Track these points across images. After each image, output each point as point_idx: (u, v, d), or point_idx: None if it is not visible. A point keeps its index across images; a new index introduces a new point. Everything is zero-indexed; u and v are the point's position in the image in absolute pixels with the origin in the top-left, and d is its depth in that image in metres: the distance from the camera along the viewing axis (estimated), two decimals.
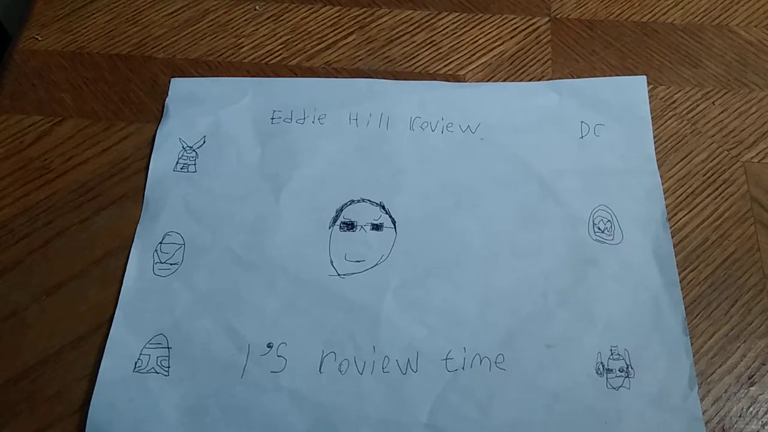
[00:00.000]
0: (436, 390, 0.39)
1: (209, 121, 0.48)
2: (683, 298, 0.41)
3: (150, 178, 0.46)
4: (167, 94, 0.49)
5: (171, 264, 0.43)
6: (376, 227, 0.44)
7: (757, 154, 0.47)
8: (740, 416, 0.39)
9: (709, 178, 0.46)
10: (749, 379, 0.40)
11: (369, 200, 0.45)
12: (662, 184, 0.45)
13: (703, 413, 0.38)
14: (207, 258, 0.43)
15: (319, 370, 0.39)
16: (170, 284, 0.42)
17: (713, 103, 0.49)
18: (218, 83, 0.49)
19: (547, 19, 0.53)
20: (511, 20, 0.53)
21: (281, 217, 0.44)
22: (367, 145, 0.47)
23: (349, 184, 0.45)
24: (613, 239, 0.43)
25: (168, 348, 0.40)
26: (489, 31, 0.52)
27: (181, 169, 0.46)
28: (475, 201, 0.44)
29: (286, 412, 0.38)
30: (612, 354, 0.40)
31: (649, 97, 0.48)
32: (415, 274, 0.42)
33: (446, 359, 0.40)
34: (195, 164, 0.46)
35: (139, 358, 0.40)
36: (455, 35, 0.52)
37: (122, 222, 0.44)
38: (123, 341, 0.40)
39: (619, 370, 0.39)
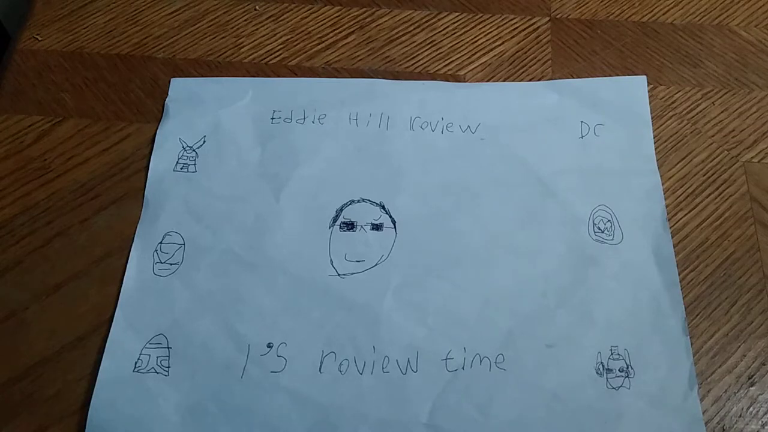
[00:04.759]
0: (436, 390, 0.39)
1: (209, 121, 0.48)
2: (683, 298, 0.41)
3: (150, 178, 0.46)
4: (167, 94, 0.49)
5: (171, 264, 0.43)
6: (376, 227, 0.44)
7: (757, 154, 0.47)
8: (740, 416, 0.39)
9: (709, 178, 0.46)
10: (749, 379, 0.40)
11: (369, 200, 0.45)
12: (662, 184, 0.45)
13: (703, 413, 0.38)
14: (207, 258, 0.43)
15: (319, 370, 0.39)
16: (170, 284, 0.42)
17: (713, 103, 0.49)
18: (218, 83, 0.49)
19: (547, 19, 0.53)
20: (511, 20, 0.53)
21: (281, 217, 0.44)
22: (367, 145, 0.47)
23: (349, 184, 0.45)
24: (613, 239, 0.43)
25: (168, 348, 0.40)
26: (489, 31, 0.52)
27: (181, 169, 0.46)
28: (475, 201, 0.44)
29: (286, 412, 0.38)
30: (612, 354, 0.40)
31: (649, 97, 0.48)
32: (415, 274, 0.42)
33: (446, 359, 0.40)
34: (195, 164, 0.46)
35: (139, 358, 0.40)
36: (455, 35, 0.52)
37: (122, 222, 0.44)
38: (123, 341, 0.40)
39: (619, 370, 0.39)
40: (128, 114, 0.49)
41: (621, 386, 0.39)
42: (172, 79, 0.50)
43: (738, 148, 0.47)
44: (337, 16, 0.53)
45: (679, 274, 0.42)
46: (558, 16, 0.53)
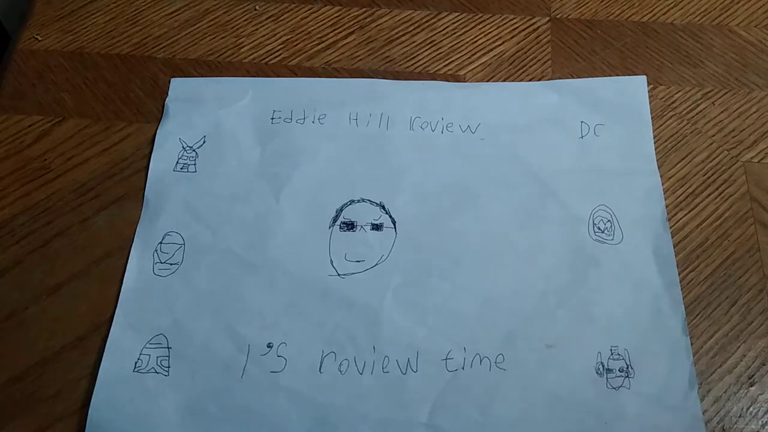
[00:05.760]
0: (436, 390, 0.39)
1: (209, 121, 0.48)
2: (683, 298, 0.41)
3: (150, 178, 0.46)
4: (167, 94, 0.49)
5: (171, 264, 0.43)
6: (376, 227, 0.44)
7: (757, 154, 0.47)
8: (740, 416, 0.39)
9: (709, 178, 0.46)
10: (749, 379, 0.40)
11: (369, 200, 0.45)
12: (662, 184, 0.45)
13: (703, 413, 0.38)
14: (207, 258, 0.43)
15: (319, 370, 0.39)
16: (170, 284, 0.42)
17: (713, 103, 0.49)
18: (218, 83, 0.49)
19: (547, 19, 0.53)
20: (511, 20, 0.53)
21: (281, 217, 0.44)
22: (367, 145, 0.47)
23: (349, 184, 0.45)
24: (613, 239, 0.43)
25: (168, 348, 0.40)
26: (489, 31, 0.52)
27: (181, 169, 0.46)
28: (475, 201, 0.44)
29: (285, 411, 0.38)
30: (612, 354, 0.40)
31: (649, 97, 0.48)
32: (415, 274, 0.42)
33: (446, 359, 0.40)
34: (195, 164, 0.46)
35: (139, 358, 0.40)
36: (455, 35, 0.52)
37: (122, 222, 0.44)
38: (123, 341, 0.40)
39: (619, 370, 0.39)
40: (128, 114, 0.49)
41: (621, 386, 0.39)
42: (172, 79, 0.50)
43: (738, 148, 0.47)
44: (337, 16, 0.53)
45: (679, 274, 0.42)
46: (558, 16, 0.53)
